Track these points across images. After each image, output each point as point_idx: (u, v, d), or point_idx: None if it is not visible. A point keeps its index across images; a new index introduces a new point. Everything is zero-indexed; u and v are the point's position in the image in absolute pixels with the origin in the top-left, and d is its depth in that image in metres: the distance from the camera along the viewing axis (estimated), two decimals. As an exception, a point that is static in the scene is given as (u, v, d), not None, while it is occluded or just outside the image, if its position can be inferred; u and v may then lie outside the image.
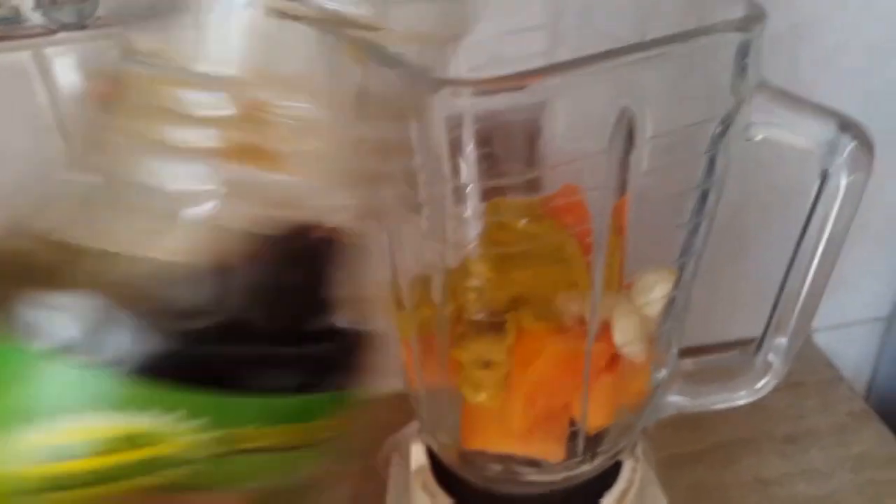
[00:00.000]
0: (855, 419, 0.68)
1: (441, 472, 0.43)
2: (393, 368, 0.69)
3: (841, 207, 0.32)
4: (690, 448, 0.65)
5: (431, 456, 0.44)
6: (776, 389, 0.40)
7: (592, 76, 0.27)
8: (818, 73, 0.62)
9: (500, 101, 0.27)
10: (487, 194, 0.34)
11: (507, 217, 0.38)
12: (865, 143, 0.31)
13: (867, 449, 0.65)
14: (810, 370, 0.73)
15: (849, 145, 0.31)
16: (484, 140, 0.32)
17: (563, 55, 0.37)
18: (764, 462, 0.64)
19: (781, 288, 0.36)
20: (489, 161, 0.34)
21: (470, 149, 0.29)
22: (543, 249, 0.38)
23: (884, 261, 0.74)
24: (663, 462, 0.56)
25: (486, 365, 0.37)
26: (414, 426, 0.50)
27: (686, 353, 0.42)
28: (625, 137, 0.29)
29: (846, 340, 0.78)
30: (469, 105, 0.28)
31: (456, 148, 0.30)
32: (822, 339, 0.75)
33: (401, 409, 0.52)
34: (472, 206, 0.32)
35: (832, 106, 0.32)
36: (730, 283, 0.68)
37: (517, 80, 0.27)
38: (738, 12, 0.32)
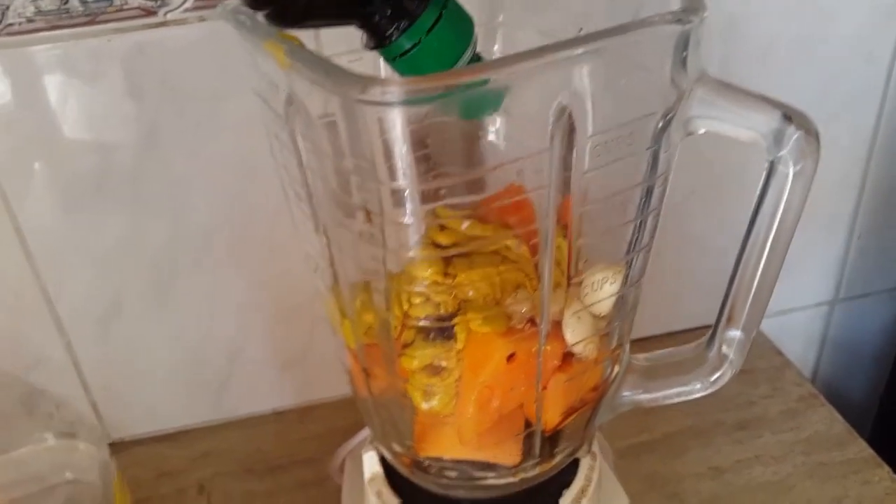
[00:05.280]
0: (804, 403, 0.68)
1: (395, 479, 0.42)
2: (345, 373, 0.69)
3: (790, 197, 0.32)
4: (642, 439, 0.65)
5: (385, 464, 0.43)
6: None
7: (528, 73, 0.26)
8: (751, 66, 0.62)
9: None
10: (426, 196, 0.33)
11: (449, 220, 0.37)
12: (811, 132, 0.30)
13: (817, 431, 0.65)
14: (759, 357, 0.73)
15: (794, 135, 0.30)
16: (420, 142, 0.31)
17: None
18: (717, 450, 0.64)
19: (731, 280, 0.36)
20: (427, 163, 0.33)
21: (405, 150, 0.28)
22: (488, 251, 0.37)
23: (825, 246, 0.75)
24: (616, 453, 0.56)
25: (436, 371, 0.36)
26: (366, 432, 0.49)
27: (638, 345, 0.41)
28: (565, 134, 0.28)
29: (792, 326, 0.79)
30: (400, 106, 0.27)
31: (390, 149, 0.28)
32: (768, 327, 0.76)
33: (356, 413, 0.51)
34: (411, 209, 0.31)
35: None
36: (675, 274, 0.69)
37: (447, 79, 0.26)
38: (676, 5, 0.31)
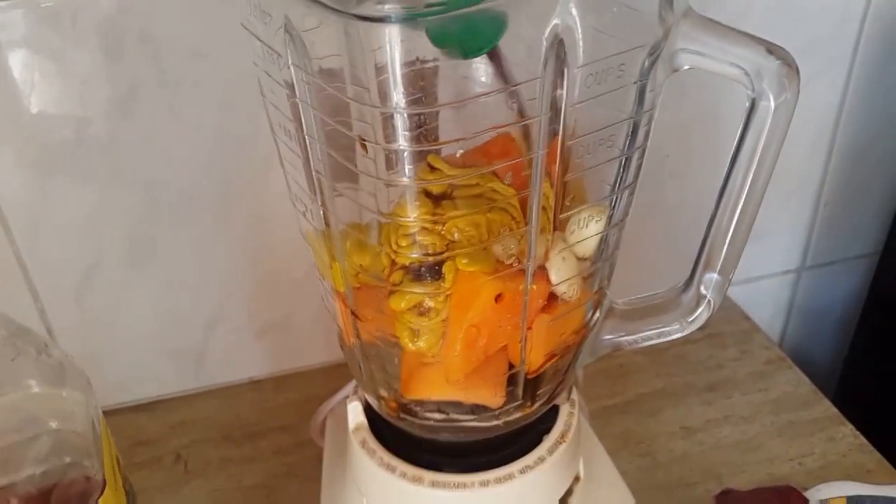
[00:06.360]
0: (772, 366, 0.70)
1: (380, 428, 0.43)
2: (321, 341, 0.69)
3: (770, 133, 0.32)
4: (615, 401, 0.67)
5: (369, 413, 0.43)
6: (696, 336, 0.41)
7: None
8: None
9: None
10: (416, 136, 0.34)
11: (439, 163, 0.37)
12: (792, 66, 0.31)
13: (785, 392, 0.67)
14: (727, 322, 0.75)
15: (776, 69, 0.31)
16: (414, 84, 0.32)
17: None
18: (688, 410, 0.66)
19: (710, 222, 0.37)
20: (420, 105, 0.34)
21: (400, 72, 0.29)
22: (474, 194, 0.37)
23: (792, 214, 0.77)
24: (590, 414, 0.57)
25: (424, 311, 0.36)
26: (348, 388, 0.49)
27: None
28: (557, 61, 0.29)
29: (760, 293, 0.80)
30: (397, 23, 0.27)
31: (387, 74, 0.29)
32: (736, 294, 0.77)
33: (332, 381, 0.51)
34: (405, 135, 0.31)
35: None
36: (647, 239, 0.70)
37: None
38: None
